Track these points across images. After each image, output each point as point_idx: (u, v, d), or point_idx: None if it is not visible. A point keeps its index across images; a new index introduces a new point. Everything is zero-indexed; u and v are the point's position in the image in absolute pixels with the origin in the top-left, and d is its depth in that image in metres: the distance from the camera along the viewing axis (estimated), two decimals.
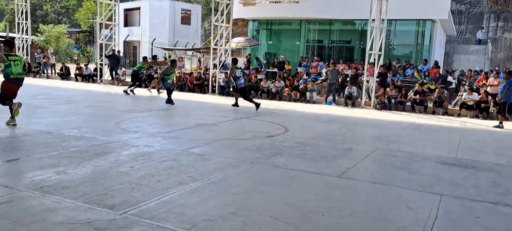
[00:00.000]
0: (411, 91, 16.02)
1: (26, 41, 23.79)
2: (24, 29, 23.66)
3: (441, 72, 18.11)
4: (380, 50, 16.12)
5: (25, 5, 23.39)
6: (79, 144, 6.50)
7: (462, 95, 15.37)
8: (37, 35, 35.13)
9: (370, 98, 16.00)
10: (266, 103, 14.90)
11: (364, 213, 4.11)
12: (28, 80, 19.38)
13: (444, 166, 6.32)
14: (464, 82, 17.25)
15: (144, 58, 17.73)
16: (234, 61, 12.36)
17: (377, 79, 15.80)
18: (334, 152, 6.86)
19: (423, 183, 5.25)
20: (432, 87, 16.27)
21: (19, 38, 23.77)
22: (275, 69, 20.68)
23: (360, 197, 4.60)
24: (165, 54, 34.36)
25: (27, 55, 23.56)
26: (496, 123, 11.75)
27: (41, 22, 41.95)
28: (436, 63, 18.91)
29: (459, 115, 14.28)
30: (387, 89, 15.64)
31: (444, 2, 19.68)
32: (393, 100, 15.30)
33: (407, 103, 15.37)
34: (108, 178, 4.79)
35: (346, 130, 9.48)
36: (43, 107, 10.82)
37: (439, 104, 14.71)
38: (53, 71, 24.12)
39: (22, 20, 23.50)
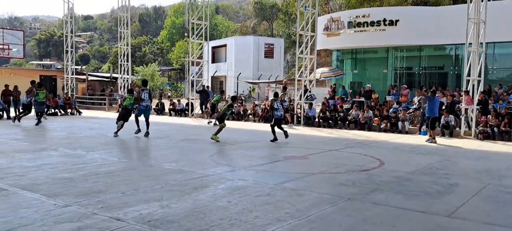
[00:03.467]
0: None
1: (127, 80, 26.06)
2: (126, 69, 26.00)
3: None
4: (479, 75, 14.91)
5: (127, 48, 25.79)
6: (178, 177, 6.80)
7: None
8: (134, 75, 38.42)
9: (470, 127, 14.74)
10: (355, 134, 14.46)
11: None
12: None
13: None
14: None
15: (221, 92, 20.16)
16: (275, 95, 12.99)
17: (478, 107, 14.55)
18: (439, 188, 6.33)
19: None
20: None
21: (121, 78, 26.15)
22: (362, 99, 20.10)
23: None
24: (249, 87, 35.42)
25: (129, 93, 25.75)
26: None
27: (140, 63, 45.94)
28: None
29: None
30: (489, 117, 14.31)
31: None
32: (496, 130, 13.92)
33: None
34: (208, 213, 4.89)
35: (448, 163, 8.76)
36: (143, 142, 11.62)
37: None
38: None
39: (124, 61, 25.88)
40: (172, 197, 5.55)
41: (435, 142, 12.27)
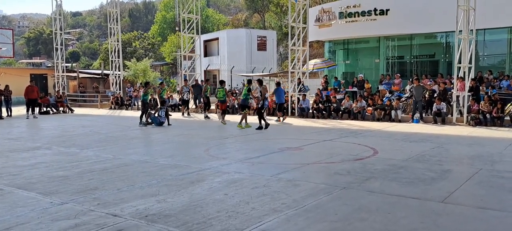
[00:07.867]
0: (510, 104, 14.60)
1: (119, 77, 25.88)
2: (117, 66, 25.81)
3: None
4: (469, 62, 15.02)
5: (117, 44, 25.59)
6: (174, 172, 6.81)
7: None
8: (126, 71, 38.16)
9: (461, 114, 14.87)
10: (349, 124, 14.54)
11: None
12: (122, 113, 21.01)
13: None
14: None
15: (206, 80, 20.33)
16: (260, 82, 15.42)
17: (469, 94, 14.67)
18: (432, 174, 6.41)
19: None
20: None
21: (112, 74, 25.97)
22: (355, 89, 20.18)
23: (473, 225, 4.20)
24: (243, 80, 35.37)
25: (119, 89, 25.59)
26: None
27: (131, 58, 45.59)
28: None
29: None
30: (481, 103, 14.45)
31: None
32: (488, 116, 14.06)
33: (506, 118, 14.02)
34: (205, 206, 4.92)
35: (441, 149, 8.85)
36: (138, 138, 11.60)
37: None
38: None
39: (115, 57, 25.67)
40: (168, 191, 5.57)
41: (280, 121, 15.42)
